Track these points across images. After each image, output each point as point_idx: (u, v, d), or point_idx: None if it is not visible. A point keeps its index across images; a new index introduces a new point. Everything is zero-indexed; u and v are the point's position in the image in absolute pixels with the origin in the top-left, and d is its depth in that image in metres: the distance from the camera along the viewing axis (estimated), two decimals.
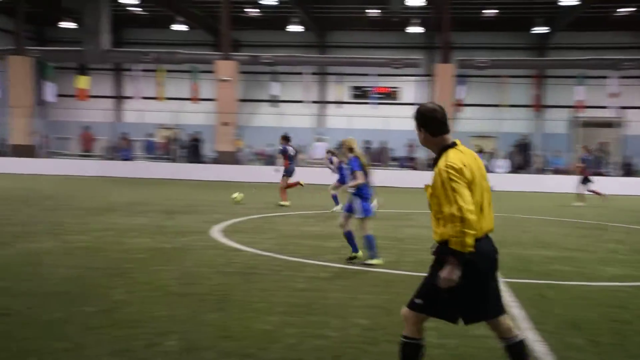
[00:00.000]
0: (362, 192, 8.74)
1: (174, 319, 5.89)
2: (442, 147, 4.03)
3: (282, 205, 16.34)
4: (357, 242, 9.00)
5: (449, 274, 3.80)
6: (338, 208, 14.81)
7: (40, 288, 6.87)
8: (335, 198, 15.64)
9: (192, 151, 29.61)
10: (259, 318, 6.01)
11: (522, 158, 29.74)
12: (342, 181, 14.98)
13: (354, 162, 8.85)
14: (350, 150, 9.06)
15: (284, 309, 6.35)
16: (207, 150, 30.57)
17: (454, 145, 4.04)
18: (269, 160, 29.90)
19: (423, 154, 31.02)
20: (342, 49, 38.05)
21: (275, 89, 31.21)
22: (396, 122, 28.73)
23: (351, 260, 8.98)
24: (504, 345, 4.15)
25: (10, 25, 37.21)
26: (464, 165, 3.88)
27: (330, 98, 37.98)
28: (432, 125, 4.05)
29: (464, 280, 3.83)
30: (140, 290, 6.93)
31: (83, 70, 30.74)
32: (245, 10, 36.38)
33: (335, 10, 36.59)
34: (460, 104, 29.93)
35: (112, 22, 30.81)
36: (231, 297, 6.76)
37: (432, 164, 4.08)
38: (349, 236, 9.00)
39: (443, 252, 3.85)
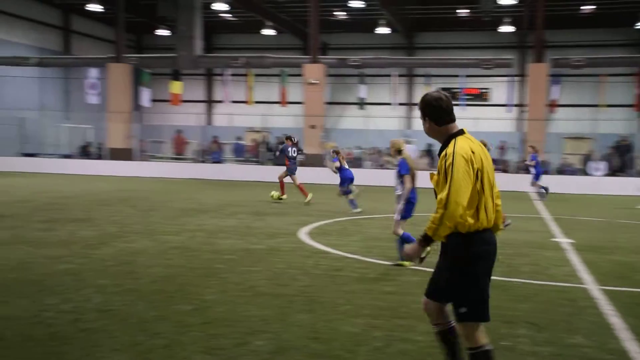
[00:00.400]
0: (410, 196, 8.63)
1: (264, 319, 5.99)
2: (449, 136, 3.93)
3: (281, 199, 17.44)
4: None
5: (413, 252, 3.92)
6: (358, 210, 15.13)
7: (137, 286, 7.16)
8: (352, 202, 15.45)
9: (280, 154, 29.96)
10: (346, 320, 6.02)
11: (621, 160, 28.35)
12: (342, 184, 15.46)
13: (402, 165, 8.67)
14: (399, 152, 8.84)
15: (370, 312, 6.33)
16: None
17: (461, 132, 3.93)
18: (355, 162, 29.94)
19: (514, 156, 30.17)
20: (430, 50, 37.60)
21: (363, 91, 31.20)
22: (486, 123, 28.09)
23: (396, 263, 8.73)
24: (438, 330, 4.14)
25: (111, 35, 39.05)
26: (472, 153, 3.79)
27: (419, 100, 37.61)
28: (437, 114, 3.96)
29: (485, 270, 3.84)
30: (231, 290, 7.09)
31: (176, 75, 31.81)
32: (334, 13, 36.61)
33: (424, 12, 36.22)
34: (554, 105, 28.91)
35: (204, 29, 31.74)
36: (319, 298, 6.81)
37: (438, 154, 3.97)
38: (404, 240, 8.72)
39: (460, 244, 3.80)
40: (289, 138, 18.26)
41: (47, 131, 31.30)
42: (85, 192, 18.86)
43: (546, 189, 20.48)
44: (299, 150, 18.31)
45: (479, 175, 3.79)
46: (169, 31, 41.37)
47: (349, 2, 32.82)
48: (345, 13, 36.79)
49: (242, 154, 32.51)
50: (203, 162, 30.61)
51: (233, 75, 31.47)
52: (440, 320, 4.12)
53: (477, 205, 3.80)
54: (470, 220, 3.77)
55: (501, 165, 29.04)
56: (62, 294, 6.71)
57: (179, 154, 32.57)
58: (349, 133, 32.81)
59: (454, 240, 3.83)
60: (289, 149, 18.04)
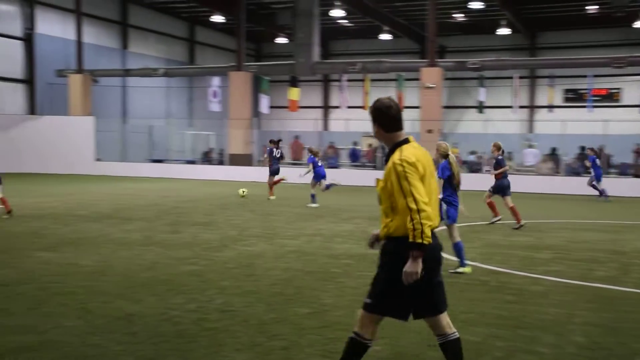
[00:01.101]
0: (451, 199, 8.42)
1: (381, 324, 5.93)
2: (396, 143, 4.06)
3: (269, 199, 18.80)
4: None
5: (413, 267, 3.82)
6: (315, 205, 17.11)
7: (256, 288, 7.33)
8: (312, 196, 17.49)
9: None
10: (465, 329, 5.84)
11: None
12: (317, 179, 17.72)
13: (443, 169, 8.43)
14: (445, 156, 8.58)
15: (492, 321, 6.13)
16: None
17: (407, 141, 4.07)
18: (472, 167, 29.23)
19: None
20: (554, 50, 36.09)
21: (482, 94, 30.41)
22: (617, 126, 26.52)
23: (455, 271, 8.42)
24: (441, 342, 4.15)
25: (232, 44, 40.47)
26: (417, 160, 3.93)
27: (541, 102, 36.16)
28: (386, 121, 4.09)
29: (425, 273, 3.87)
30: (348, 294, 7.10)
31: (294, 82, 32.46)
32: (452, 16, 36.01)
33: (548, 10, 34.81)
34: None
35: (321, 35, 32.19)
36: None
37: (385, 159, 4.10)
38: (457, 248, 8.43)
39: (397, 247, 3.89)
40: (272, 141, 19.95)
41: (172, 138, 32.94)
42: (207, 197, 19.63)
43: (602, 191, 20.93)
44: (281, 153, 20.11)
45: (424, 182, 3.95)
46: (287, 39, 42.35)
47: (468, 3, 32.16)
48: (463, 15, 36.06)
49: (358, 159, 32.63)
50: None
51: (349, 80, 31.67)
52: (442, 332, 4.19)
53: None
54: (400, 222, 3.91)
55: (633, 170, 27.31)
56: (187, 293, 7.00)
57: (296, 159, 33.18)
58: (467, 137, 32.10)
59: (390, 243, 4.00)
60: (274, 151, 19.64)
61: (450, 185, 8.41)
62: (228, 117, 31.26)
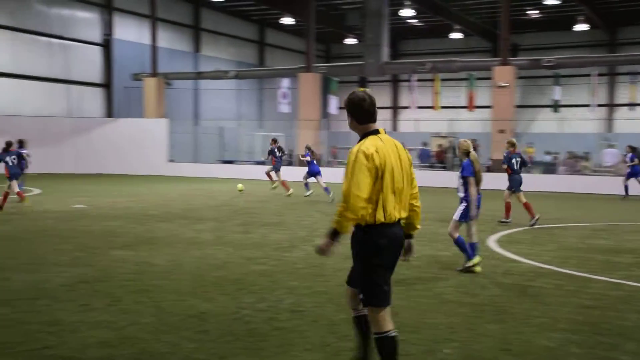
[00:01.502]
0: (469, 198, 8.30)
1: (451, 327, 5.84)
2: (365, 134, 4.18)
3: (288, 195, 20.04)
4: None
5: (325, 246, 4.11)
6: (310, 193, 19.52)
7: (326, 289, 7.33)
8: (306, 185, 19.89)
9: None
10: (540, 334, 5.67)
11: None
12: (308, 173, 19.90)
13: (467, 167, 8.31)
14: (467, 154, 8.45)
15: (568, 326, 5.92)
16: (483, 158, 30.09)
17: (376, 132, 4.17)
18: (548, 168, 28.41)
19: None
20: (636, 45, 34.65)
21: (557, 93, 29.50)
22: None
23: (469, 269, 8.26)
24: (353, 316, 4.51)
25: (301, 46, 40.78)
26: (376, 152, 4.01)
27: (621, 100, 34.80)
28: (359, 113, 4.21)
29: (384, 263, 4.09)
30: (417, 296, 7.01)
31: (363, 83, 32.41)
32: (526, 12, 35.13)
33: (628, 4, 33.47)
34: None
35: (391, 35, 32.01)
36: (510, 309, 6.50)
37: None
38: (459, 244, 8.41)
39: (364, 235, 4.09)
40: (274, 140, 21.66)
41: (242, 139, 33.46)
42: (277, 197, 19.82)
43: (626, 189, 21.18)
44: (283, 151, 21.99)
45: (379, 174, 4.00)
46: (356, 40, 42.33)
47: (544, 0, 31.31)
48: (538, 11, 35.13)
49: (428, 159, 32.26)
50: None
51: (419, 80, 31.37)
52: (355, 306, 4.44)
53: (376, 200, 4.01)
54: (370, 214, 4.01)
55: None
56: (257, 293, 7.07)
57: None
58: (541, 137, 31.23)
59: (356, 232, 4.12)
60: (275, 149, 21.13)
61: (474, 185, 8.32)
62: (297, 118, 31.48)
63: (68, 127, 32.17)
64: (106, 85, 36.10)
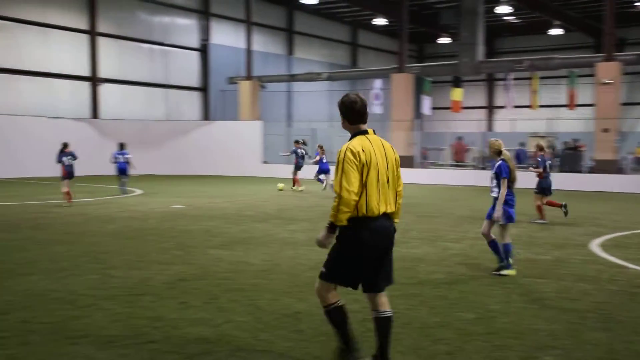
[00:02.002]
0: (508, 198, 8.16)
1: (553, 334, 5.61)
2: (355, 133, 4.55)
3: (295, 189, 21.96)
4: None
5: (322, 237, 4.52)
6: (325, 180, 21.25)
7: (419, 291, 7.23)
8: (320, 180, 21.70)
9: (569, 160, 28.16)
10: None
11: None
12: (318, 172, 21.75)
13: (503, 167, 8.17)
14: (498, 153, 8.31)
15: None
16: (585, 159, 28.83)
17: (365, 132, 4.54)
18: None
19: None
20: None
21: None
22: None
23: (499, 273, 8.05)
24: (374, 317, 4.66)
25: (393, 46, 40.57)
26: (362, 150, 4.38)
27: None
28: (351, 114, 4.58)
29: (363, 253, 4.42)
30: (516, 301, 6.79)
31: (457, 82, 31.79)
32: (634, 4, 33.41)
33: None
34: None
35: (486, 33, 31.26)
36: (617, 316, 6.18)
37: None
38: (493, 246, 8.26)
39: (346, 227, 4.44)
40: (297, 142, 23.52)
41: (335, 141, 33.56)
42: None
43: None
44: (306, 152, 23.58)
45: (364, 171, 4.36)
46: (450, 39, 41.65)
47: None
48: None
49: (525, 160, 31.24)
50: (484, 169, 30.08)
51: (516, 79, 30.44)
52: (378, 308, 4.69)
53: (360, 195, 4.36)
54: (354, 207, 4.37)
55: None
56: (350, 294, 6.85)
57: (459, 161, 32.50)
58: None
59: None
60: (298, 150, 23.02)
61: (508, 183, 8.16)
62: (390, 119, 31.29)
63: (167, 130, 33.43)
64: (203, 89, 37.27)
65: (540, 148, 14.15)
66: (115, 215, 14.35)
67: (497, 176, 8.24)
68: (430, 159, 33.45)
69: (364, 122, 4.60)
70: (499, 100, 42.67)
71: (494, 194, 8.30)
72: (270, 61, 39.41)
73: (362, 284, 4.63)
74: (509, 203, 8.23)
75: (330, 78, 36.12)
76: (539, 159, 14.05)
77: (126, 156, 20.26)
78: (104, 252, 9.61)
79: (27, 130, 27.88)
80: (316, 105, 41.87)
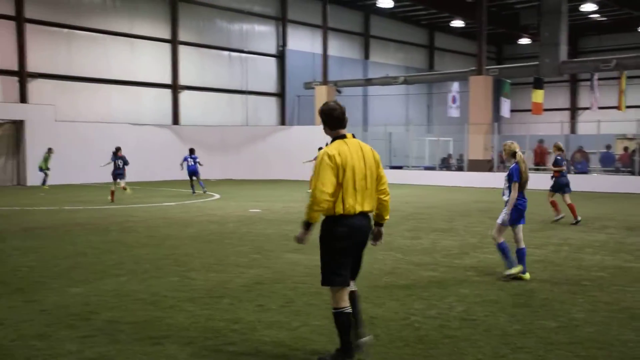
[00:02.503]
0: (517, 203, 8.03)
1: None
2: (334, 138, 4.91)
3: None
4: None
5: (301, 235, 4.85)
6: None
7: (498, 298, 7.06)
8: None
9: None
10: None
11: None
12: None
13: (514, 171, 8.04)
14: (513, 155, 8.16)
15: None
16: None
17: (343, 137, 4.89)
18: None
19: None
20: None
21: None
22: None
23: (509, 278, 7.91)
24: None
25: (471, 48, 39.91)
26: (338, 154, 4.73)
27: None
28: (330, 120, 4.94)
29: (343, 246, 4.79)
30: (602, 310, 6.53)
31: (539, 84, 30.88)
32: None
33: None
34: None
35: (570, 33, 30.27)
36: None
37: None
38: (502, 249, 8.09)
39: (326, 225, 4.84)
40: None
41: (411, 145, 33.33)
42: (446, 203, 19.49)
43: None
44: None
45: (339, 173, 4.70)
46: (530, 39, 40.61)
47: None
48: None
49: (612, 163, 30.00)
50: (567, 172, 29.10)
51: (601, 79, 29.31)
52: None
53: (337, 195, 4.71)
54: (331, 207, 4.74)
55: None
56: (427, 299, 6.98)
57: (540, 164, 31.55)
58: None
59: (322, 222, 4.86)
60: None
61: (519, 187, 8.03)
62: (467, 122, 30.76)
63: (245, 135, 34.05)
64: (280, 94, 37.79)
65: (558, 148, 14.74)
66: (195, 219, 14.73)
67: (510, 179, 8.10)
68: (506, 162, 32.59)
69: (343, 127, 4.96)
70: (582, 101, 41.24)
71: (505, 197, 8.17)
72: (346, 66, 39.52)
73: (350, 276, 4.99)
74: (518, 208, 8.09)
75: (406, 81, 35.86)
76: (558, 158, 14.58)
77: (196, 160, 21.56)
78: (184, 254, 9.87)
79: (114, 137, 29.01)
80: (392, 109, 41.68)
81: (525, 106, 32.52)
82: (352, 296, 5.01)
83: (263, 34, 36.68)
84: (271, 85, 37.43)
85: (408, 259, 9.55)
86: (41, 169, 25.18)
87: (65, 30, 28.73)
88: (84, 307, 6.63)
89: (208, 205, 18.46)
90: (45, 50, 28.11)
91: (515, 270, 7.95)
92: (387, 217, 5.14)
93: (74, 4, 28.98)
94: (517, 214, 8.10)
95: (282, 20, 37.16)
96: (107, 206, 17.78)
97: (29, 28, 27.31)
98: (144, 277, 8.16)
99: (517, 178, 8.03)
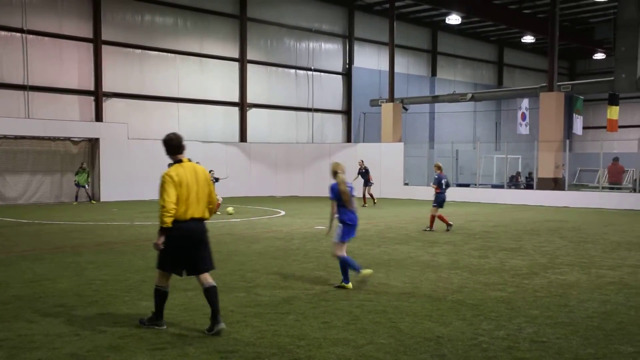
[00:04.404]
0: (343, 218, 8.65)
1: None
2: (174, 162, 6.38)
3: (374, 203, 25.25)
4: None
5: (158, 241, 6.23)
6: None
7: (570, 320, 6.85)
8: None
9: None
10: None
11: None
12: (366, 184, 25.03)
13: (332, 189, 8.68)
14: (334, 174, 8.72)
15: None
16: None
17: (180, 161, 6.38)
18: None
19: None
20: None
21: None
22: None
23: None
24: (203, 289, 6.40)
25: (541, 64, 39.09)
26: (176, 175, 6.21)
27: None
28: (168, 148, 6.43)
29: (177, 245, 6.23)
30: None
31: (614, 100, 29.89)
32: None
33: None
34: None
35: None
36: None
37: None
38: (345, 261, 8.67)
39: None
40: (362, 162, 25.81)
41: (478, 162, 32.80)
42: (514, 222, 19.05)
43: None
44: (368, 171, 25.52)
45: (177, 189, 6.18)
46: (604, 54, 39.48)
47: None
48: None
49: None
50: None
51: None
52: (203, 283, 6.44)
53: (178, 206, 6.19)
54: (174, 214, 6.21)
55: None
56: (495, 320, 6.84)
57: (614, 183, 30.47)
58: None
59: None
60: (363, 170, 25.37)
61: (340, 204, 8.63)
62: (537, 140, 30.05)
63: (310, 152, 34.28)
64: (346, 111, 37.96)
65: (438, 167, 16.75)
66: (261, 236, 14.91)
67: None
68: (581, 181, 31.62)
69: (180, 152, 6.42)
70: None
71: (336, 215, 8.74)
72: (412, 82, 39.39)
73: (185, 270, 6.40)
74: (347, 223, 8.65)
75: (474, 98, 35.39)
76: (436, 177, 16.57)
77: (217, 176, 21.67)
78: (251, 270, 10.00)
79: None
80: (459, 126, 41.21)
81: (599, 123, 31.60)
82: (213, 290, 6.35)
83: (330, 52, 37.02)
84: (337, 103, 37.66)
85: (475, 278, 9.38)
86: (78, 184, 26.05)
87: (139, 50, 29.78)
88: None
89: (274, 222, 18.66)
90: (119, 70, 29.20)
91: (363, 273, 8.51)
92: (209, 217, 6.61)
93: (147, 25, 30.03)
94: (347, 229, 8.67)
95: (348, 38, 37.43)
96: None
97: (104, 49, 28.45)
98: None
99: (333, 196, 8.67)
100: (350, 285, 8.63)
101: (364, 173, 25.64)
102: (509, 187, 32.12)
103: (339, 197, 8.62)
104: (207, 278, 6.37)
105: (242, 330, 6.40)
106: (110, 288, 8.57)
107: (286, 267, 10.37)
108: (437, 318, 6.89)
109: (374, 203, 25.75)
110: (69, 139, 27.06)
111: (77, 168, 26.51)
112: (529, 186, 31.83)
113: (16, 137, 25.71)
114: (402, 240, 14.03)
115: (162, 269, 6.39)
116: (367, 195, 25.68)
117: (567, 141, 29.18)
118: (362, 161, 26.17)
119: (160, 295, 6.46)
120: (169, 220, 6.11)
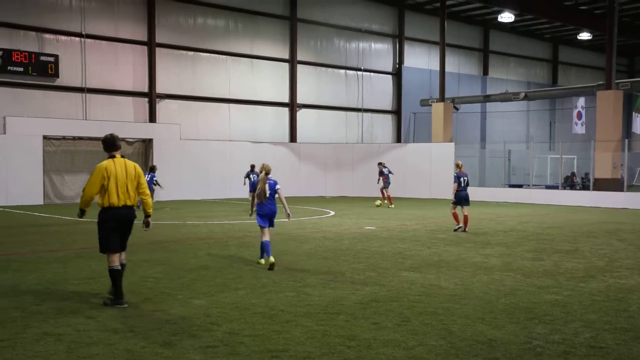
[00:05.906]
0: (258, 209, 10.50)
1: None
2: (108, 157, 7.63)
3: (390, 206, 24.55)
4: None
5: (78, 216, 7.87)
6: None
7: (631, 326, 6.65)
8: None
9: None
10: None
11: None
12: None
13: (254, 183, 11.00)
14: (267, 173, 10.37)
15: None
16: None
17: (113, 157, 7.64)
18: None
19: None
20: None
21: None
22: None
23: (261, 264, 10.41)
24: (120, 264, 7.63)
25: (598, 61, 38.09)
26: (105, 168, 7.47)
27: None
28: (105, 146, 7.70)
29: (110, 227, 7.51)
30: None
31: None
32: None
33: None
34: None
35: None
36: None
37: None
38: (264, 246, 10.44)
39: (100, 213, 7.61)
40: (380, 163, 26.15)
41: (532, 162, 32.14)
42: (570, 223, 18.60)
43: None
44: (390, 171, 25.85)
45: (104, 180, 7.41)
46: None
47: None
48: None
49: None
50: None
51: None
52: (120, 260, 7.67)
53: (103, 194, 7.45)
54: (100, 201, 7.52)
55: None
56: (550, 324, 6.68)
57: None
58: None
59: (99, 210, 7.55)
60: (384, 170, 25.51)
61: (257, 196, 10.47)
62: (594, 139, 29.27)
63: (360, 152, 34.21)
64: (396, 111, 37.74)
65: (458, 166, 16.80)
66: (310, 236, 14.95)
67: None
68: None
69: (115, 150, 7.64)
70: None
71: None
72: (463, 82, 38.90)
73: (112, 248, 7.50)
74: (258, 213, 10.45)
75: (527, 97, 34.70)
76: (455, 175, 16.56)
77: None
78: (301, 270, 10.04)
79: (233, 154, 30.16)
80: (512, 125, 40.48)
81: None
82: (124, 266, 7.70)
83: (379, 52, 36.87)
84: (387, 103, 37.48)
85: (529, 280, 9.19)
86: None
87: (191, 52, 30.28)
88: (206, 318, 6.90)
89: (323, 222, 18.69)
90: (172, 72, 29.74)
91: (263, 260, 10.56)
92: (150, 210, 7.83)
93: (199, 28, 30.50)
94: (259, 218, 10.42)
95: (398, 38, 37.21)
96: (226, 221, 18.43)
97: (158, 52, 29.02)
98: (262, 291, 8.37)
99: (252, 189, 11.27)
100: (262, 261, 10.56)
101: (386, 174, 25.50)
102: (564, 187, 31.39)
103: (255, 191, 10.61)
104: (123, 256, 7.74)
105: (292, 330, 6.42)
106: (163, 286, 8.72)
107: (336, 267, 10.37)
108: (490, 321, 6.78)
109: (388, 205, 24.93)
110: (123, 139, 27.63)
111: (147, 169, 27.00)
112: (584, 187, 31.03)
113: (74, 138, 26.49)
114: (452, 242, 13.86)
115: (108, 250, 7.50)
116: (386, 195, 25.26)
117: (626, 140, 28.31)
118: (383, 163, 26.22)
119: (116, 274, 7.47)
120: (84, 205, 7.58)
